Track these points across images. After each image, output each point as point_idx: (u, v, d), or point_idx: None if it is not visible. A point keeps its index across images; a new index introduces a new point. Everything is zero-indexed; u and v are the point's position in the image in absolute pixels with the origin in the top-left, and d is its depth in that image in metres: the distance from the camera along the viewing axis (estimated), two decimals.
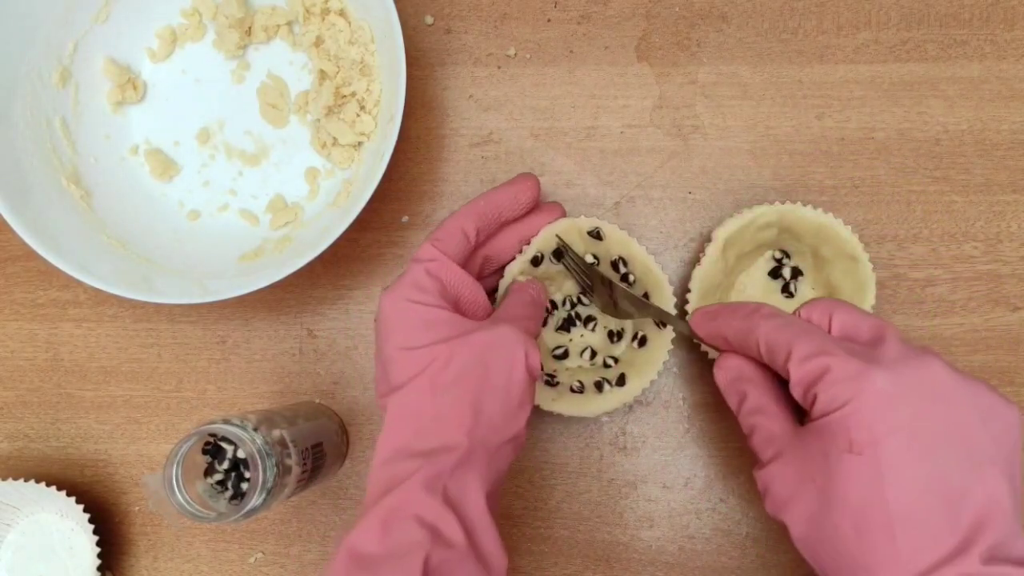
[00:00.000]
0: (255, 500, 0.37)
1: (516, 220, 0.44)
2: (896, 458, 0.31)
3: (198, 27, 0.50)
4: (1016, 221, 0.49)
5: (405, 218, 0.50)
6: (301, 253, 0.42)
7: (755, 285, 0.47)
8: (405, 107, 0.42)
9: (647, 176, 0.50)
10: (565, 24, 0.51)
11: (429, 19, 0.51)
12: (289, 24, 0.50)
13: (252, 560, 0.49)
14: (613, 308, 0.44)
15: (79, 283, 0.42)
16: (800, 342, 0.34)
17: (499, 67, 0.51)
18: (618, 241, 0.45)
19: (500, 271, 0.45)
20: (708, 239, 0.45)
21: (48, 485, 0.46)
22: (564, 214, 0.45)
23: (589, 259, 0.46)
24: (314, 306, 0.50)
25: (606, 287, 0.44)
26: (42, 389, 0.50)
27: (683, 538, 0.48)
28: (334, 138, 0.48)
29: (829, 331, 0.35)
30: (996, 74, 0.49)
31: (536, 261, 0.45)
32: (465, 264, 0.41)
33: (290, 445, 0.40)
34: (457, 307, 0.40)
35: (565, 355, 0.47)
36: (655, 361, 0.44)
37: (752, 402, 0.37)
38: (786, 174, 0.49)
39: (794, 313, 0.37)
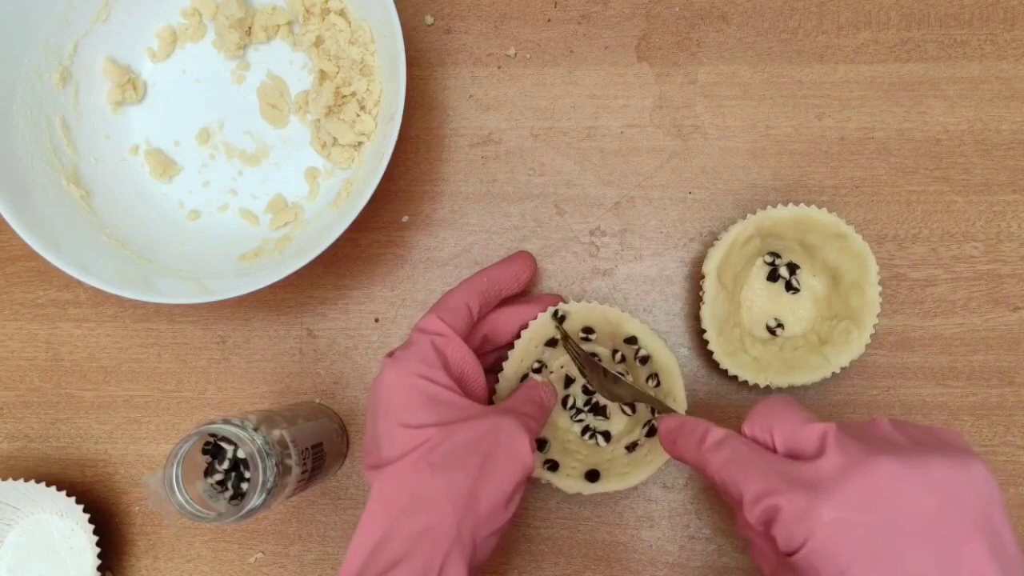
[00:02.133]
0: (255, 500, 0.37)
1: (514, 298, 0.45)
2: None
3: (198, 27, 0.50)
4: (1016, 221, 0.49)
5: (405, 218, 0.50)
6: (301, 253, 0.42)
7: (759, 295, 0.47)
8: (405, 107, 0.42)
9: (647, 176, 0.50)
10: (565, 24, 0.51)
11: (429, 19, 0.51)
12: (289, 24, 0.50)
13: (252, 560, 0.49)
14: (608, 392, 0.43)
15: (79, 283, 0.42)
16: (747, 482, 0.32)
17: (499, 67, 0.51)
18: (625, 321, 0.45)
19: (497, 351, 0.45)
20: (702, 276, 0.45)
21: (48, 485, 0.46)
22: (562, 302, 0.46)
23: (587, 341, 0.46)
24: (314, 306, 0.50)
25: (599, 372, 0.44)
26: (42, 389, 0.50)
27: (683, 538, 0.48)
28: (334, 138, 0.48)
29: (774, 449, 0.34)
30: (996, 74, 0.49)
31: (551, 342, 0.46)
32: (466, 340, 0.41)
33: (290, 445, 0.40)
34: (460, 384, 0.40)
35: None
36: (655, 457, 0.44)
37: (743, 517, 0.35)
38: (786, 174, 0.49)
39: (741, 431, 0.35)
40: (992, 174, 0.49)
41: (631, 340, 0.45)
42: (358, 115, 0.47)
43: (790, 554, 0.31)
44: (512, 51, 0.51)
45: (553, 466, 0.44)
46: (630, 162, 0.50)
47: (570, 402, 0.47)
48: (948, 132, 0.49)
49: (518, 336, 0.45)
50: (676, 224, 0.49)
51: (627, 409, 0.47)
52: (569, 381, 0.47)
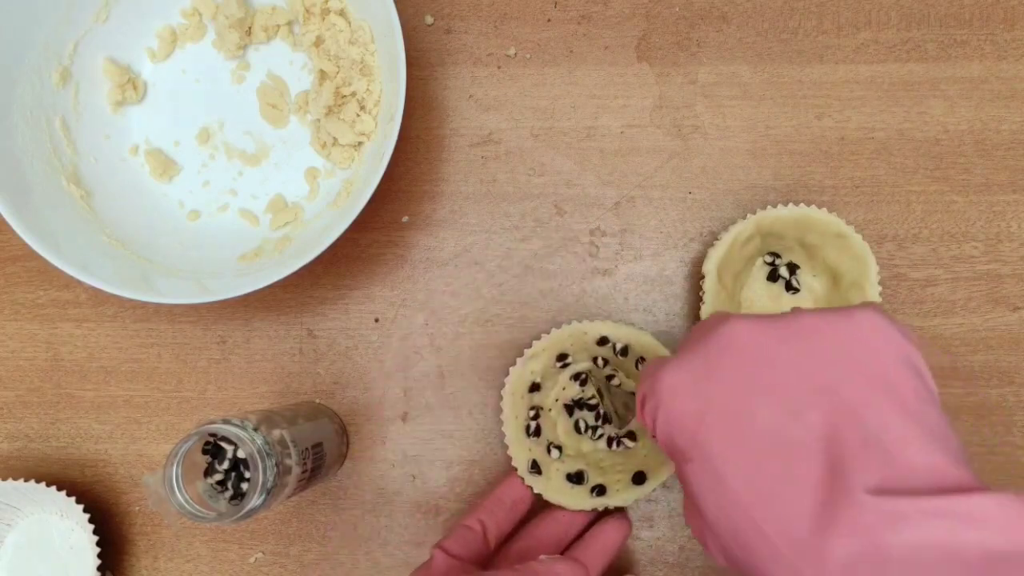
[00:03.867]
0: (255, 500, 0.37)
1: (538, 517, 0.44)
2: (719, 445, 0.28)
3: (198, 27, 0.50)
4: (1016, 221, 0.49)
5: (405, 218, 0.50)
6: (301, 253, 0.42)
7: (758, 295, 0.47)
8: (405, 107, 0.42)
9: (647, 176, 0.50)
10: (565, 24, 0.51)
11: (429, 19, 0.51)
12: (289, 24, 0.50)
13: (252, 560, 0.49)
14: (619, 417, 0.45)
15: (79, 283, 0.42)
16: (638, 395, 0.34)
17: (499, 67, 0.51)
18: (588, 328, 0.45)
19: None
20: (702, 276, 0.45)
21: (48, 485, 0.46)
22: (627, 534, 0.44)
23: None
24: (314, 306, 0.50)
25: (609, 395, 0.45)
26: (42, 389, 0.50)
27: (683, 538, 0.48)
28: (334, 138, 0.48)
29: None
30: (996, 74, 0.49)
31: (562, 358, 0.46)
32: (492, 558, 0.42)
33: (290, 445, 0.40)
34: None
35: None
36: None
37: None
38: (786, 174, 0.49)
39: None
40: (992, 174, 0.49)
41: (603, 341, 0.45)
42: (358, 115, 0.47)
43: (655, 437, 0.31)
44: (512, 51, 0.51)
45: (600, 490, 0.44)
46: (630, 162, 0.50)
47: (582, 426, 0.47)
48: (948, 132, 0.49)
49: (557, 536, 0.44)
50: (676, 224, 0.49)
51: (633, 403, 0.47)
52: (571, 409, 0.47)
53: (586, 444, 0.47)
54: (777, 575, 0.27)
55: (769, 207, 0.45)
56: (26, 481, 0.46)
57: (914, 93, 0.50)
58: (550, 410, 0.47)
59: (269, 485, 0.37)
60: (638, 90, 0.50)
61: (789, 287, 0.47)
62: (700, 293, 0.46)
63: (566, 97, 0.50)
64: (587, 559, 0.41)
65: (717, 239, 0.45)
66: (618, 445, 0.46)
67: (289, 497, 0.41)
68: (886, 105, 0.50)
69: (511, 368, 0.45)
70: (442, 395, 0.49)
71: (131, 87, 0.49)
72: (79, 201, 0.46)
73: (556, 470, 0.45)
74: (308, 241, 0.44)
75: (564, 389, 0.47)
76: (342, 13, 0.48)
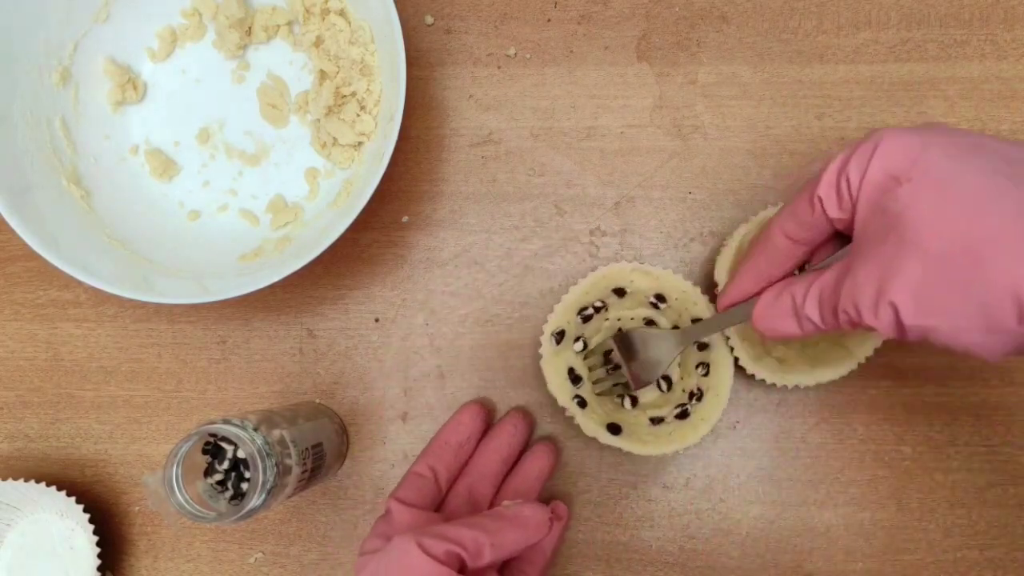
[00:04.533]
0: (255, 500, 0.37)
1: (475, 453, 0.45)
2: (946, 161, 0.29)
3: (198, 27, 0.50)
4: None
5: (405, 218, 0.50)
6: (301, 253, 0.42)
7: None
8: (405, 107, 0.42)
9: (647, 176, 0.50)
10: (565, 24, 0.51)
11: (429, 19, 0.51)
12: (289, 24, 0.50)
13: (252, 560, 0.49)
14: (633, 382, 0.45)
15: (79, 283, 0.42)
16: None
17: (499, 67, 0.51)
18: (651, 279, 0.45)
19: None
20: (715, 284, 0.45)
21: (48, 485, 0.46)
22: (555, 459, 0.46)
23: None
24: (314, 306, 0.50)
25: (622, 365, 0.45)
26: (42, 389, 0.50)
27: (683, 538, 0.48)
28: (334, 138, 0.48)
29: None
30: (996, 74, 0.49)
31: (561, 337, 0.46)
32: (443, 502, 0.42)
33: (290, 445, 0.40)
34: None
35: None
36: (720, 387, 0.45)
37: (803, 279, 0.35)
38: (786, 174, 0.49)
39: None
40: None
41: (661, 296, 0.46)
42: (358, 115, 0.47)
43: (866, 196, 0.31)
44: (512, 51, 0.51)
45: (581, 402, 0.45)
46: (630, 162, 0.50)
47: (611, 352, 0.46)
48: None
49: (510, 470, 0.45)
50: (676, 224, 0.49)
51: (663, 384, 0.46)
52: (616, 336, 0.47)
53: (599, 370, 0.46)
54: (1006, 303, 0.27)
55: (769, 206, 0.45)
56: (26, 481, 0.46)
57: (914, 93, 0.50)
58: (607, 320, 0.47)
59: (269, 485, 0.37)
60: (638, 90, 0.50)
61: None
62: (722, 247, 0.45)
63: (566, 97, 0.50)
64: (527, 487, 0.44)
65: (723, 244, 0.45)
66: (619, 397, 0.47)
67: (289, 497, 0.41)
68: (886, 105, 0.50)
69: (572, 287, 0.45)
70: (442, 395, 0.49)
71: (131, 87, 0.49)
72: (79, 201, 0.46)
73: (569, 354, 0.46)
74: (308, 241, 0.44)
75: (632, 319, 0.47)
76: (342, 13, 0.48)
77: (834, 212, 0.34)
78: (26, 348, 0.50)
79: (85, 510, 0.46)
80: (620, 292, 0.46)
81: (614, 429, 0.44)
